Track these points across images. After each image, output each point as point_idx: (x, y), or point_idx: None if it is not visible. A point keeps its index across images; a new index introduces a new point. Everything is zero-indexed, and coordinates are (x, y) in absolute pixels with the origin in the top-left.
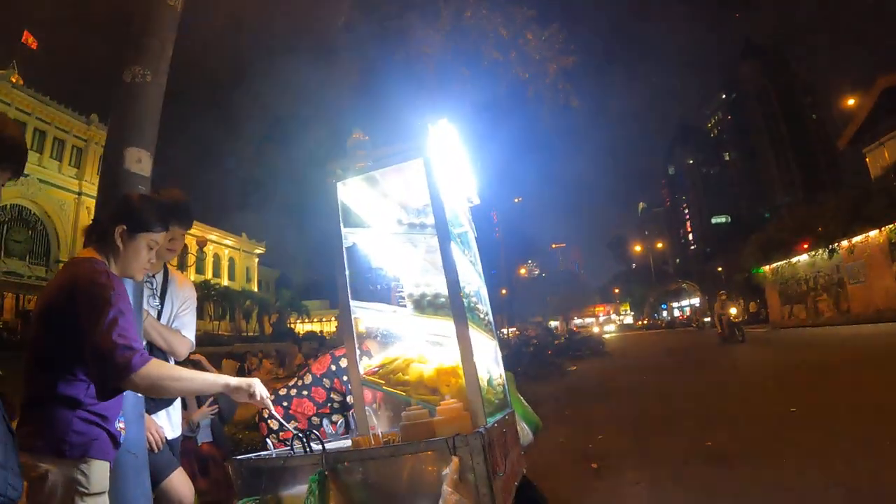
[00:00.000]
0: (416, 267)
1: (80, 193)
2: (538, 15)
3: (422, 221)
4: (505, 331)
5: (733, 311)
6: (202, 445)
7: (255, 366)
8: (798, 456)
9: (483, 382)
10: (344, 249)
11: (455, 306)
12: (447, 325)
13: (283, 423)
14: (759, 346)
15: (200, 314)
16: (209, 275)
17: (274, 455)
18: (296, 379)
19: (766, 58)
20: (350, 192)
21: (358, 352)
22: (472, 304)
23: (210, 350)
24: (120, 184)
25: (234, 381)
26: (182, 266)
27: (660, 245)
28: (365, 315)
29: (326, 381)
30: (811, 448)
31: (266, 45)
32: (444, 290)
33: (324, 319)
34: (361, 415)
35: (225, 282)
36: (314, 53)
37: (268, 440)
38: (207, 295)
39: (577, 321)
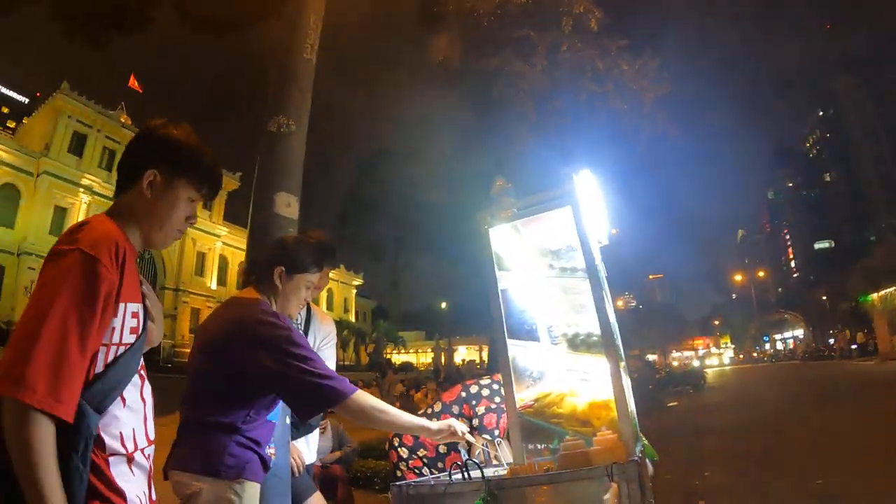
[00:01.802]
0: (564, 307)
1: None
2: (630, 44)
3: (573, 266)
4: None
5: None
6: (333, 467)
7: None
8: None
9: (633, 416)
10: (500, 292)
11: (609, 347)
12: (596, 362)
13: (487, 450)
14: None
15: None
16: None
17: (432, 482)
18: (426, 407)
19: (863, 71)
20: (498, 237)
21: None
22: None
23: None
24: (271, 226)
25: (434, 425)
26: None
27: (761, 274)
28: (519, 352)
29: (455, 408)
30: None
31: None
32: (593, 329)
33: (419, 350)
34: (518, 445)
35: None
36: (411, 90)
37: (399, 466)
38: None
39: (675, 354)
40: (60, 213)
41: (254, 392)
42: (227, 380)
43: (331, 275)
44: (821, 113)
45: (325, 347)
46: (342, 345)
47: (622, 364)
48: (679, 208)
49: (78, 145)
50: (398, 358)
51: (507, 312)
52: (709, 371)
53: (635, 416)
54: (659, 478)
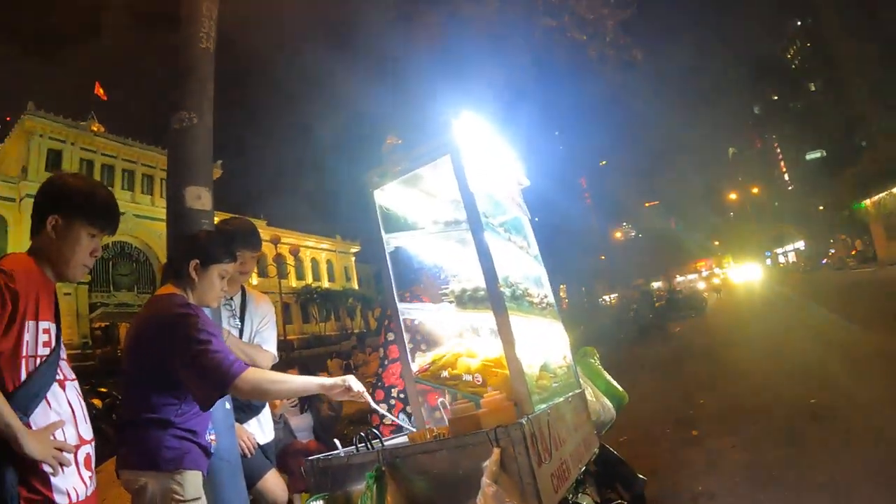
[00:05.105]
0: (458, 262)
1: None
2: None
3: (456, 218)
4: (607, 297)
5: None
6: (309, 443)
7: (361, 361)
8: None
9: (532, 370)
10: (388, 254)
11: (493, 297)
12: (491, 318)
13: (380, 410)
14: None
15: (306, 318)
16: (310, 279)
17: (341, 454)
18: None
19: None
20: (390, 195)
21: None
22: (520, 292)
23: (321, 351)
24: (184, 221)
25: (329, 381)
26: (282, 274)
27: (755, 190)
28: (415, 314)
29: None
30: None
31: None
32: (483, 283)
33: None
34: (417, 411)
35: (326, 283)
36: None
37: (378, 427)
38: (310, 298)
39: (679, 279)
40: None
41: (177, 384)
42: (151, 377)
43: (327, 245)
44: (798, 22)
45: (263, 329)
46: (348, 313)
47: (540, 313)
48: (665, 134)
49: (54, 162)
50: None
51: (400, 273)
52: (716, 293)
53: (561, 365)
54: (653, 409)
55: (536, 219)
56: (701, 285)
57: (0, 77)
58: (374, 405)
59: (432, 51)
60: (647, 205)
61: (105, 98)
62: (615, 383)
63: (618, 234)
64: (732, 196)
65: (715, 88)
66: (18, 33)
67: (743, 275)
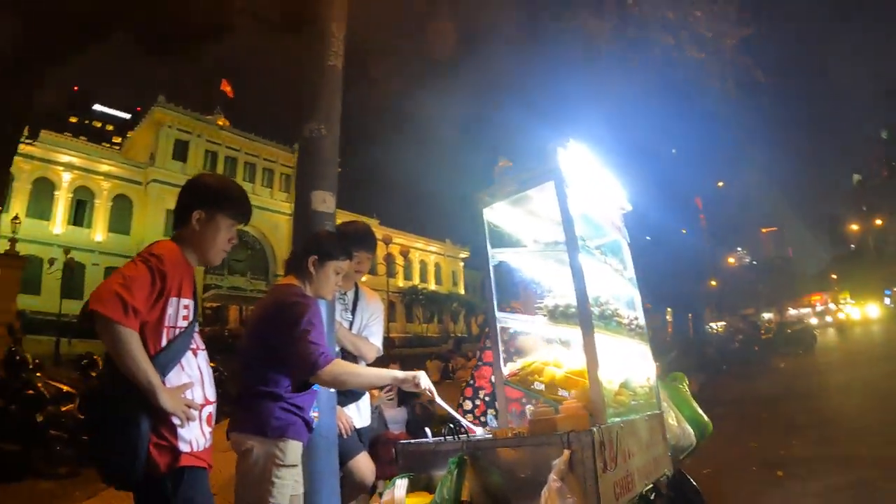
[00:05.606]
0: (554, 279)
1: (291, 215)
2: None
3: (556, 239)
4: (714, 325)
5: None
6: (400, 435)
7: (460, 365)
8: None
9: (611, 385)
10: (491, 267)
11: (583, 316)
12: (579, 333)
13: (456, 416)
14: None
15: (410, 317)
16: (416, 280)
17: (431, 442)
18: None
19: None
20: (498, 213)
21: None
22: (610, 312)
23: (421, 351)
24: (310, 221)
25: (401, 374)
26: (390, 273)
27: (879, 221)
28: (511, 324)
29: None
30: None
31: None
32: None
33: None
34: (503, 411)
35: (432, 286)
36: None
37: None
38: (416, 299)
39: (791, 312)
40: (171, 215)
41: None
42: (266, 355)
43: (436, 248)
44: None
45: (371, 323)
46: (452, 317)
47: (628, 333)
48: (788, 156)
49: (181, 151)
50: None
51: (502, 284)
52: (837, 330)
53: (642, 385)
54: (742, 446)
55: (648, 237)
56: (813, 321)
57: (134, 70)
58: (439, 401)
59: (552, 69)
60: (763, 231)
61: (231, 95)
62: (700, 411)
63: (731, 260)
64: (854, 227)
65: (840, 111)
66: (152, 30)
67: (859, 313)
